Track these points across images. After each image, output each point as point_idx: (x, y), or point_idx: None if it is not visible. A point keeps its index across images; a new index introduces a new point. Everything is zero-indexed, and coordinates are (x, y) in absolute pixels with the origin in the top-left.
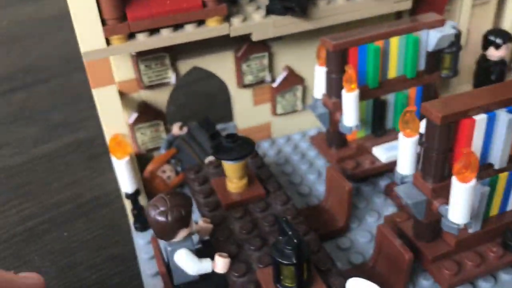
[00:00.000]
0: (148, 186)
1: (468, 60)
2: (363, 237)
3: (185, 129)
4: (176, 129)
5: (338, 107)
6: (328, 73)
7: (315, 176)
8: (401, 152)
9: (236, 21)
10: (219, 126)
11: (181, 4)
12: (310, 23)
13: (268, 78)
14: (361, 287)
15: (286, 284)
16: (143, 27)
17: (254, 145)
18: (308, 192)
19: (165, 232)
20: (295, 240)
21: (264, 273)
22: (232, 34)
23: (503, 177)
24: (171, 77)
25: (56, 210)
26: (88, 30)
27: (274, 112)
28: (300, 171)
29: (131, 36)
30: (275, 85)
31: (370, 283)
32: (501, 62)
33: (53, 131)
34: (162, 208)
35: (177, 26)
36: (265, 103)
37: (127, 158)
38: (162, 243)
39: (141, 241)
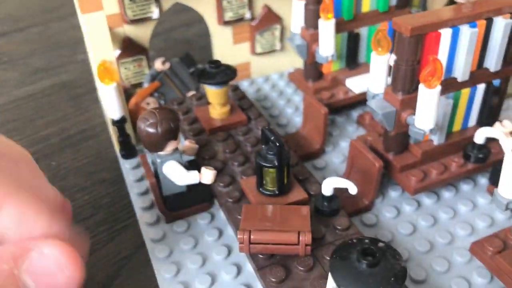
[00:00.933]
0: (133, 117)
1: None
2: (337, 158)
3: (167, 65)
4: (158, 64)
5: (315, 38)
6: (306, 5)
7: (293, 109)
8: (373, 70)
9: None
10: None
11: None
12: None
13: (248, 15)
14: (336, 184)
15: (268, 188)
16: None
17: (236, 71)
18: (286, 123)
19: (155, 143)
20: (277, 144)
21: (247, 181)
22: None
23: (465, 92)
24: (154, 12)
25: (42, 143)
26: None
27: (253, 51)
28: (278, 106)
29: None
30: (254, 23)
31: (343, 179)
32: None
33: (33, 75)
34: (152, 120)
35: None
36: (244, 41)
37: (114, 84)
38: (150, 158)
39: (128, 166)
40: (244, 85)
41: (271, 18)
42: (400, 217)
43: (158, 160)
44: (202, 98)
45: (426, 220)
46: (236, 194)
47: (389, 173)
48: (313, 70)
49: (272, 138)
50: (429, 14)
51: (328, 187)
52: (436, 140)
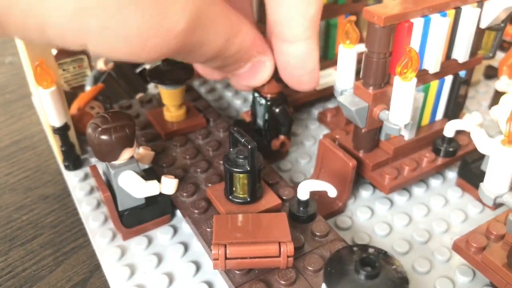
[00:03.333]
0: (76, 124)
1: None
2: (303, 159)
3: (111, 64)
4: (101, 64)
5: None
6: None
7: (241, 101)
8: (340, 65)
9: None
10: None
11: None
12: None
13: None
14: (313, 187)
15: (239, 195)
16: None
17: (193, 69)
18: (236, 115)
19: (109, 152)
20: (249, 146)
21: (214, 189)
22: None
23: (434, 84)
24: None
25: None
26: None
27: None
28: (235, 105)
29: None
30: None
31: (321, 182)
32: None
33: None
34: (104, 126)
35: None
36: None
37: (53, 87)
38: (101, 169)
39: (74, 178)
40: (195, 84)
41: None
42: (375, 217)
43: (112, 171)
44: (152, 100)
45: (402, 218)
46: (203, 204)
47: (360, 172)
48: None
49: (243, 140)
50: (400, 3)
51: (304, 191)
52: (407, 135)
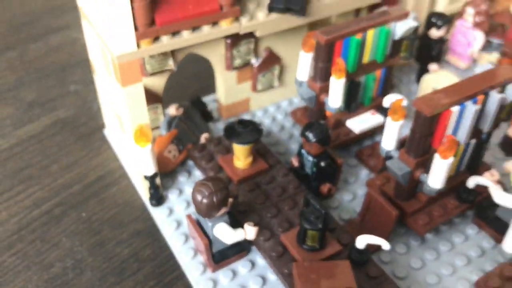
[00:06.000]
0: (158, 166)
1: None
2: (347, 197)
3: (180, 110)
4: (173, 110)
5: (323, 90)
6: (316, 62)
7: (297, 145)
8: (387, 133)
9: (244, 20)
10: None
11: (202, 8)
12: (304, 19)
13: (253, 60)
14: (370, 240)
15: (309, 244)
16: (169, 31)
17: (262, 130)
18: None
19: (210, 212)
20: (322, 211)
21: (287, 236)
22: (242, 32)
23: (461, 148)
24: (172, 65)
25: (65, 192)
26: (123, 36)
27: (255, 89)
28: (283, 143)
29: (155, 39)
30: (256, 65)
31: (377, 238)
32: (441, 41)
33: (29, 111)
34: (207, 192)
35: (195, 27)
36: (247, 81)
37: (149, 145)
38: (194, 217)
39: (160, 215)
40: (245, 118)
41: (272, 59)
42: (410, 252)
43: (210, 224)
44: (220, 143)
45: (431, 254)
46: (280, 249)
47: (400, 217)
48: (318, 113)
49: (317, 206)
50: (441, 93)
51: (362, 242)
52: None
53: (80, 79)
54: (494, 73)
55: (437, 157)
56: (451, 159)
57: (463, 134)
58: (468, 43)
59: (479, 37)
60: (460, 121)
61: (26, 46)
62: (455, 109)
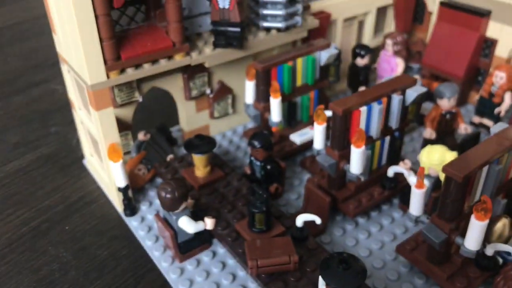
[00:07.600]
0: (130, 182)
1: (342, 66)
2: (293, 196)
3: (148, 135)
4: (141, 136)
5: (266, 109)
6: (257, 86)
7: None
8: (316, 135)
9: (194, 54)
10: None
11: (158, 45)
12: (243, 52)
13: (208, 91)
14: (305, 218)
15: (258, 227)
16: (132, 64)
17: (216, 142)
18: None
19: (173, 205)
20: (264, 196)
21: (240, 224)
22: (193, 64)
23: (377, 144)
24: (138, 96)
25: (51, 211)
26: (95, 69)
27: (212, 116)
28: (239, 159)
29: (122, 70)
30: (211, 95)
31: (311, 215)
32: (366, 67)
33: (15, 150)
34: (169, 189)
35: (154, 61)
36: (204, 110)
37: (121, 161)
38: (162, 214)
39: (134, 223)
40: None
41: (224, 90)
42: (346, 234)
43: (174, 217)
44: (182, 160)
45: (363, 234)
46: (234, 234)
47: (333, 203)
48: (264, 129)
49: (260, 192)
50: (351, 98)
51: (300, 220)
52: (363, 178)
53: (59, 122)
54: (395, 81)
55: (352, 148)
56: (363, 148)
57: (374, 130)
58: (392, 69)
59: (400, 63)
60: (369, 119)
61: (9, 99)
62: (363, 108)
